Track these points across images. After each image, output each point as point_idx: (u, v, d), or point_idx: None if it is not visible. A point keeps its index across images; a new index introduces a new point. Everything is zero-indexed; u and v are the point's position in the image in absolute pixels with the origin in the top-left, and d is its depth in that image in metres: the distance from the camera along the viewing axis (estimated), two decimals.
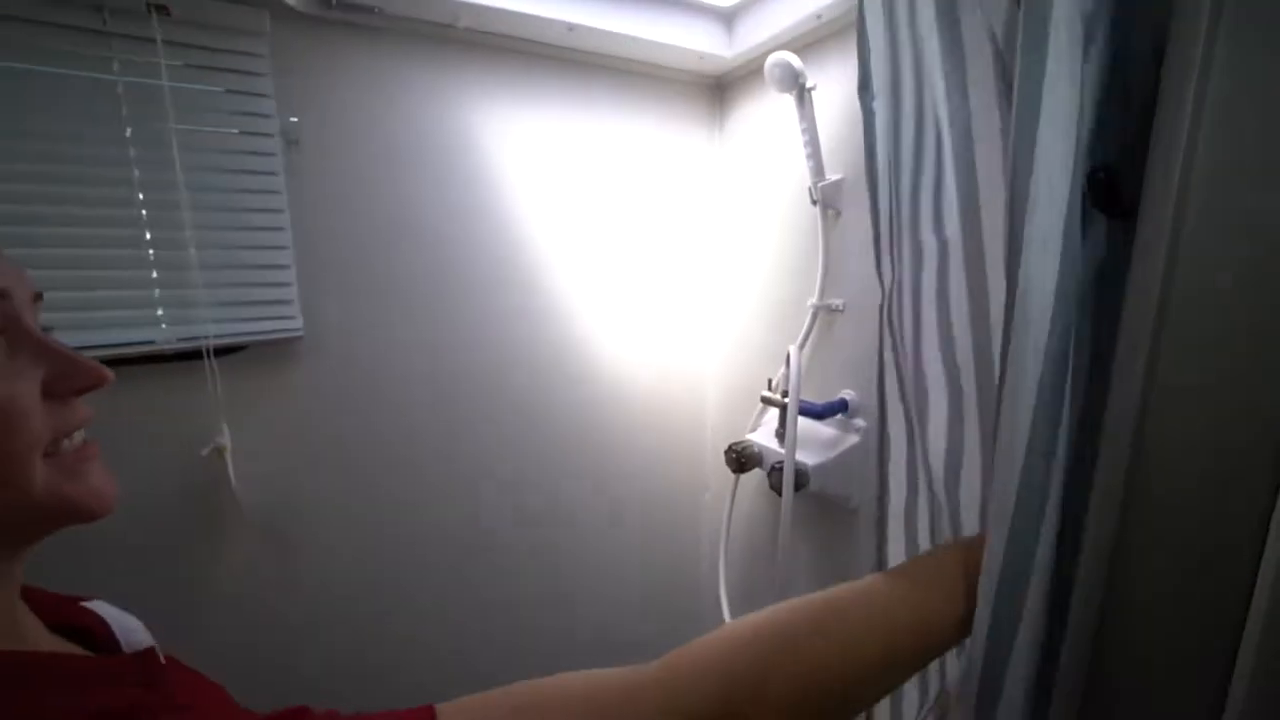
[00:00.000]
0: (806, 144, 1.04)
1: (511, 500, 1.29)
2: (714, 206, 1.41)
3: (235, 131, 0.93)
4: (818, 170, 1.06)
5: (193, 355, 0.94)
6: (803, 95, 1.01)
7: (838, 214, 1.08)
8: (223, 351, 0.97)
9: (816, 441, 1.10)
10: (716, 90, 1.37)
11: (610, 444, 1.39)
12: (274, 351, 1.03)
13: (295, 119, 0.97)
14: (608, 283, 1.32)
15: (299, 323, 1.02)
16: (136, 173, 0.87)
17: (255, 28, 0.90)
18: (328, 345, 1.07)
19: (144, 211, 0.88)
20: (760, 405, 1.19)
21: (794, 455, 1.02)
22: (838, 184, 1.06)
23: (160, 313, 0.91)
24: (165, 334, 0.92)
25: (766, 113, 1.24)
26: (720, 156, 1.39)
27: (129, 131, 0.85)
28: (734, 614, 1.27)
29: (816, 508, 1.18)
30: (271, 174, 0.96)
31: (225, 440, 0.99)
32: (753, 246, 1.31)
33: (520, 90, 1.16)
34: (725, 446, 1.21)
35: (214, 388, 0.96)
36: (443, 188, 1.12)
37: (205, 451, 0.97)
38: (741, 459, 1.17)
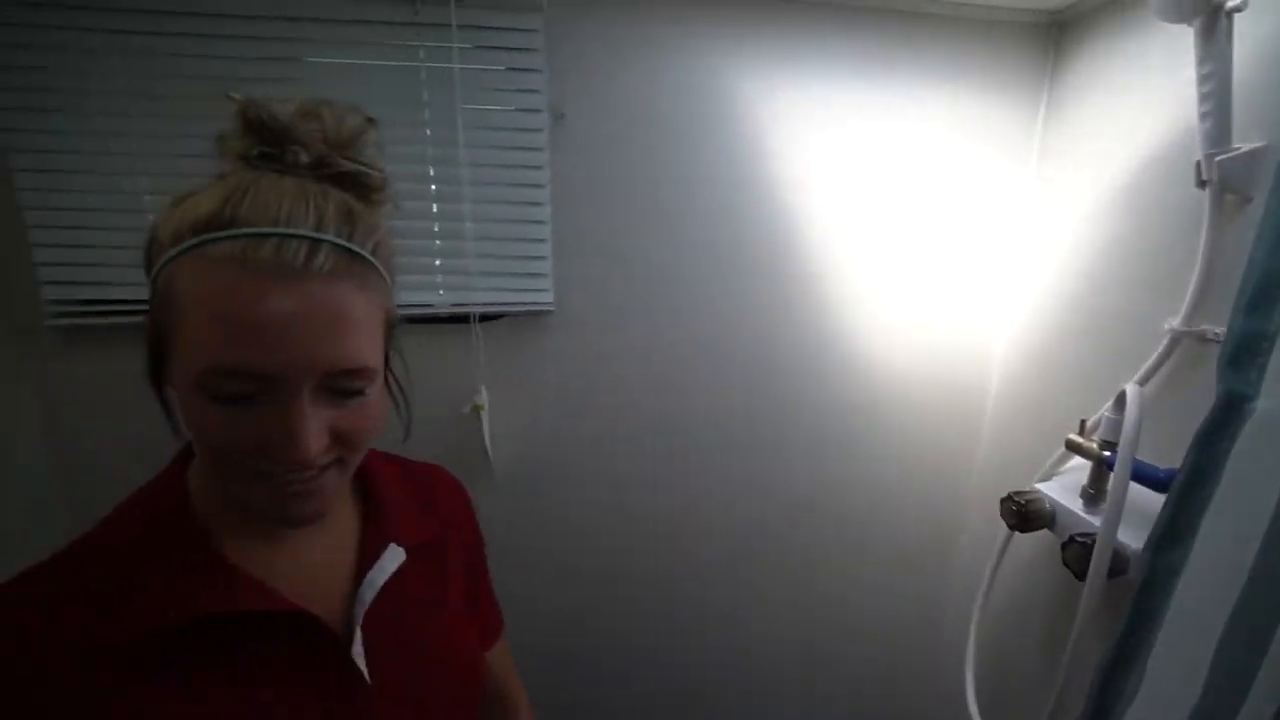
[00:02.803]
0: (1207, 97, 0.72)
1: (743, 490, 1.21)
2: (1036, 185, 1.11)
3: (511, 108, 0.96)
4: (1218, 135, 0.73)
5: (462, 320, 1.03)
6: (1214, 22, 0.69)
7: (1243, 200, 0.74)
8: (485, 318, 1.05)
9: (1144, 517, 0.79)
10: (1051, 33, 1.05)
11: (860, 453, 1.22)
12: (528, 322, 1.08)
13: (562, 93, 0.98)
14: (889, 271, 1.13)
15: (550, 296, 1.05)
16: (430, 150, 0.95)
17: (533, 4, 0.91)
18: (576, 319, 1.08)
19: (433, 187, 0.97)
20: (1063, 451, 0.91)
21: (1114, 531, 0.75)
22: (1251, 156, 0.72)
23: (439, 279, 1.01)
24: (442, 299, 1.02)
25: (1128, 59, 0.91)
26: (1050, 121, 1.08)
27: (427, 113, 0.94)
28: (981, 704, 1.02)
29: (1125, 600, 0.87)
30: (537, 149, 0.98)
31: (483, 400, 1.08)
32: (1085, 240, 1.00)
33: (799, 49, 1.01)
34: (999, 489, 0.96)
35: (478, 351, 1.05)
36: (707, 162, 1.04)
37: (466, 409, 1.07)
38: (1024, 514, 0.91)
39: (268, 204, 0.38)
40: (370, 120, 0.45)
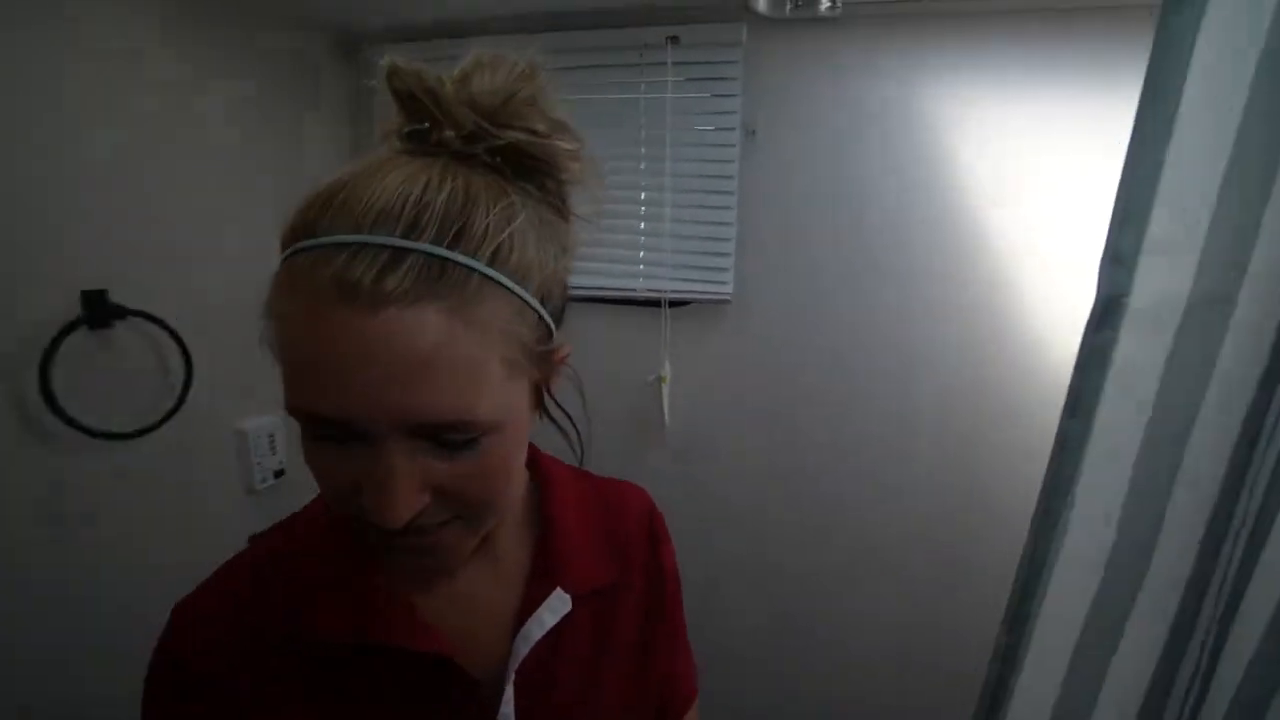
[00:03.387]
0: None
1: (897, 488, 1.23)
2: None
3: (710, 128, 1.15)
4: None
5: (655, 303, 1.24)
6: None
7: None
8: (674, 304, 1.24)
9: None
10: None
11: (1018, 456, 1.15)
12: (709, 309, 1.25)
13: (755, 111, 1.13)
14: (1066, 276, 1.07)
15: (730, 288, 1.20)
16: (642, 165, 1.18)
17: (734, 39, 1.09)
18: (750, 309, 1.23)
19: (642, 194, 1.20)
20: None
21: None
22: None
23: (640, 269, 1.24)
24: (641, 285, 1.24)
25: None
26: None
27: (642, 134, 1.17)
28: None
29: None
30: (729, 161, 1.15)
31: (666, 372, 1.28)
32: None
33: (976, 61, 1.03)
34: None
35: (665, 330, 1.25)
36: (882, 171, 1.11)
37: (650, 379, 1.28)
38: None
39: (360, 200, 0.30)
40: (529, 71, 0.35)
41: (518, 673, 0.42)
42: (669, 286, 1.22)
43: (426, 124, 0.34)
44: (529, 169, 0.36)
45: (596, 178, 0.39)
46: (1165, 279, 0.35)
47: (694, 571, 1.35)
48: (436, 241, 0.30)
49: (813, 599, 1.32)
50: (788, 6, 1.01)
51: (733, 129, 1.13)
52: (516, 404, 0.35)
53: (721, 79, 1.12)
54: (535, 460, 0.51)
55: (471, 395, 0.31)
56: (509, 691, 0.42)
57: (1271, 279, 0.35)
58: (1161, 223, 0.34)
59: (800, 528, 1.29)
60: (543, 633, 0.43)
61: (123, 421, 0.94)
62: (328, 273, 0.29)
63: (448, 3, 1.13)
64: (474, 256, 0.30)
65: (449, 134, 0.34)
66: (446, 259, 0.30)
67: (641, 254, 1.23)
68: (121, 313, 0.92)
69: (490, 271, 0.31)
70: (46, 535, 0.89)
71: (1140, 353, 0.36)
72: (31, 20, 0.82)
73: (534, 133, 0.35)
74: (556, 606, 0.44)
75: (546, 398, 0.41)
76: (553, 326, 0.37)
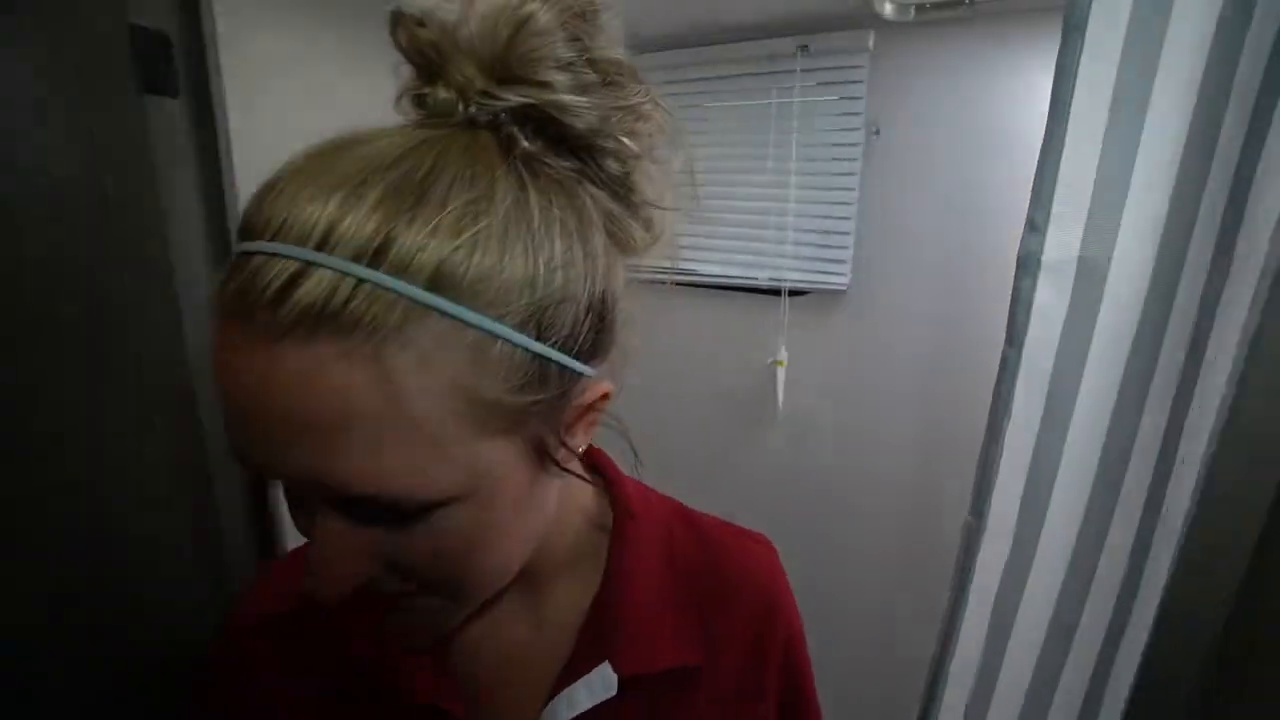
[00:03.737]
0: None
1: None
2: None
3: (835, 128, 1.23)
4: None
5: (774, 292, 1.34)
6: None
7: None
8: (794, 292, 1.33)
9: None
10: None
11: None
12: (827, 298, 1.32)
13: (880, 111, 1.19)
14: None
15: (847, 280, 1.27)
16: (770, 164, 1.29)
17: (861, 45, 1.16)
18: (866, 301, 1.28)
19: (766, 190, 1.31)
20: None
21: None
22: None
23: (762, 259, 1.34)
24: (763, 274, 1.35)
25: None
26: None
27: (771, 137, 1.27)
28: None
29: None
30: (852, 160, 1.22)
31: (783, 356, 1.37)
32: None
33: None
34: None
35: (783, 317, 1.34)
36: (1007, 167, 1.12)
37: (769, 361, 1.38)
38: None
39: (293, 193, 0.23)
40: (533, 7, 0.26)
41: None
42: (790, 276, 1.31)
43: (427, 85, 0.28)
44: (570, 140, 0.27)
45: (678, 142, 0.31)
46: (1063, 242, 0.51)
47: (801, 560, 1.43)
48: (355, 255, 0.22)
49: (924, 584, 1.33)
50: (912, 11, 1.07)
51: (857, 129, 1.20)
52: (491, 469, 0.26)
53: (848, 82, 1.20)
54: (616, 491, 0.41)
55: (393, 463, 0.24)
56: None
57: (1137, 239, 0.51)
58: (1060, 202, 0.50)
59: (902, 514, 1.32)
60: (573, 714, 0.35)
61: None
62: (232, 287, 0.23)
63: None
64: (402, 276, 0.22)
65: (444, 95, 0.27)
66: (361, 279, 0.22)
67: (763, 245, 1.33)
68: None
69: (425, 297, 0.22)
70: None
71: (1050, 295, 0.52)
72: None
73: (548, 86, 0.26)
74: (597, 687, 0.35)
75: (564, 453, 0.29)
76: (571, 364, 0.27)
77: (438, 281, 0.23)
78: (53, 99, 0.41)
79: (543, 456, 0.29)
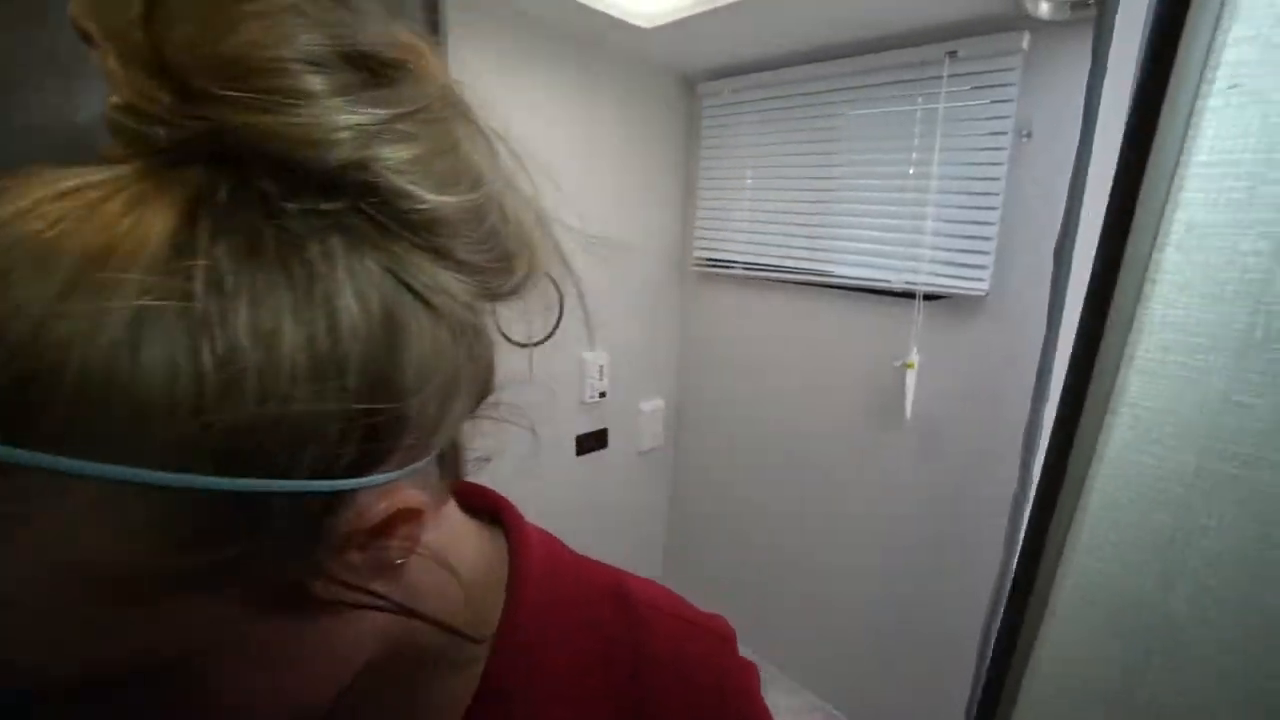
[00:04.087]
0: None
1: None
2: None
3: (983, 133, 1.22)
4: None
5: (908, 295, 1.36)
6: None
7: None
8: (929, 296, 1.34)
9: None
10: None
11: None
12: (962, 303, 1.32)
13: (1031, 114, 1.17)
14: None
15: (986, 285, 1.26)
16: (910, 170, 1.31)
17: (1014, 47, 1.14)
18: (1004, 307, 1.26)
19: (904, 194, 1.33)
20: None
21: None
22: None
23: (898, 262, 1.37)
24: (897, 277, 1.37)
25: None
26: None
27: (915, 140, 1.30)
28: None
29: None
30: (998, 164, 1.20)
31: (914, 358, 1.39)
32: None
33: None
34: None
35: (916, 320, 1.36)
36: None
37: (898, 363, 1.41)
38: None
39: None
40: None
41: None
42: (926, 280, 1.33)
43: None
44: (319, 175, 0.19)
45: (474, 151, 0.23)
46: None
47: (923, 567, 1.44)
48: None
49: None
50: (1069, 10, 1.04)
51: (1005, 133, 1.19)
52: (186, 637, 0.20)
53: (999, 85, 1.18)
54: (518, 559, 0.34)
55: None
56: None
57: None
58: None
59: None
60: None
61: (525, 335, 1.50)
62: None
63: (758, 44, 1.43)
64: None
65: (116, 118, 0.19)
66: None
67: (900, 249, 1.36)
68: None
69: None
70: None
71: None
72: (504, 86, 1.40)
73: (277, 98, 0.18)
74: None
75: (343, 593, 0.23)
76: (309, 488, 0.20)
77: (4, 416, 0.16)
78: None
79: (300, 599, 0.22)
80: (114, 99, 0.19)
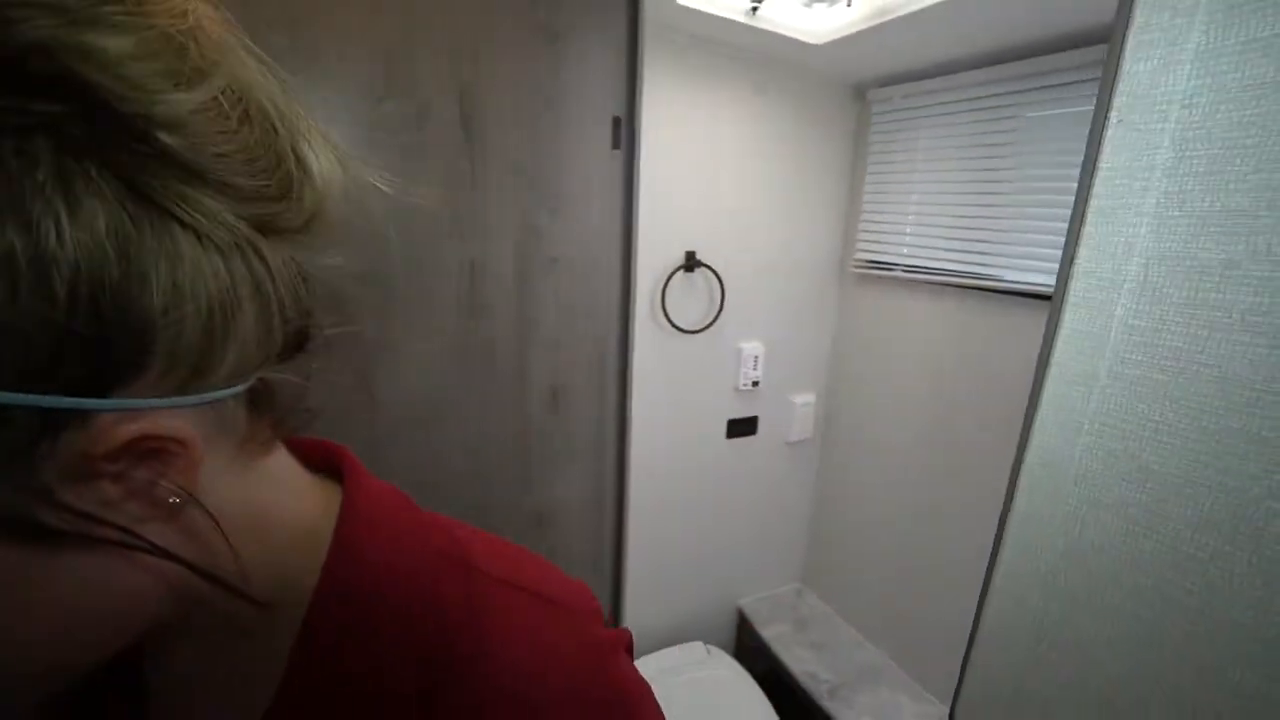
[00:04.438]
0: None
1: None
2: None
3: None
4: None
5: (1047, 297, 1.33)
6: None
7: None
8: None
9: None
10: None
11: None
12: None
13: None
14: None
15: None
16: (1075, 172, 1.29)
17: None
18: None
19: (1059, 196, 1.30)
20: None
21: None
22: None
23: (1040, 264, 1.34)
24: (1040, 278, 1.34)
25: None
26: None
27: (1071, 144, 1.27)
28: None
29: None
30: None
31: None
32: None
33: None
34: None
35: None
36: None
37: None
38: None
39: None
40: None
41: None
42: None
43: None
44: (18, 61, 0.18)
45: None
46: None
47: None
48: None
49: None
50: None
51: None
52: None
53: None
54: (345, 509, 0.31)
55: None
56: None
57: None
58: None
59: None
60: None
61: (690, 322, 1.70)
62: None
63: (930, 50, 1.48)
64: None
65: None
66: None
67: (1045, 250, 1.33)
68: (699, 264, 1.66)
69: None
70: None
71: None
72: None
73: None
74: None
75: (87, 524, 0.22)
76: (12, 400, 0.19)
77: None
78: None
79: (32, 528, 0.21)
80: None
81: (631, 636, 0.36)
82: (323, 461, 0.35)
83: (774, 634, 1.95)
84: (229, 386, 0.25)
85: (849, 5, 1.30)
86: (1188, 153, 0.57)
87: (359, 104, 1.00)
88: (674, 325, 1.66)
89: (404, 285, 1.11)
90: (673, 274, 1.64)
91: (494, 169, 1.14)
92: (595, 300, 1.36)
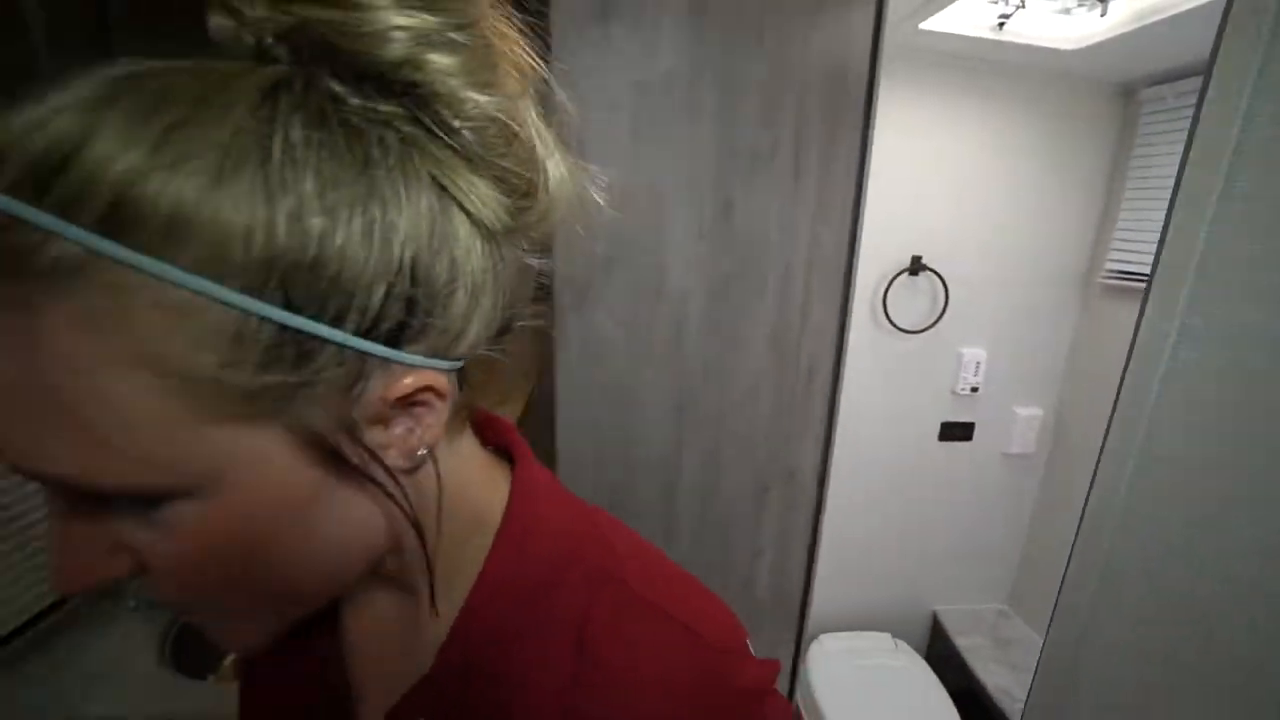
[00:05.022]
0: None
1: None
2: None
3: None
4: None
5: None
6: None
7: None
8: None
9: None
10: None
11: None
12: None
13: None
14: None
15: None
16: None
17: None
18: None
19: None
20: None
21: None
22: None
23: None
24: None
25: None
26: None
27: None
28: None
29: None
30: None
31: None
32: None
33: None
34: None
35: None
36: None
37: None
38: None
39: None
40: None
41: None
42: None
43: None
44: (372, 73, 0.23)
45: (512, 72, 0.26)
46: None
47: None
48: (12, 188, 0.19)
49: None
50: None
51: None
52: (231, 462, 0.23)
53: None
54: (515, 497, 0.34)
55: (53, 439, 0.21)
56: None
57: None
58: None
59: None
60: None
61: (910, 323, 1.76)
62: None
63: (1201, 50, 1.36)
64: (66, 213, 0.19)
65: (218, 21, 0.23)
66: (15, 216, 0.19)
67: None
68: (924, 268, 1.72)
69: (85, 239, 0.19)
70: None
71: None
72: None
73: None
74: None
75: (362, 455, 0.25)
76: (351, 343, 0.23)
77: (115, 218, 0.19)
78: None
79: (332, 456, 0.25)
80: (213, 12, 0.23)
81: (779, 667, 0.34)
82: (494, 436, 0.37)
83: (969, 644, 1.92)
84: (462, 359, 0.28)
85: (1103, 15, 1.28)
86: None
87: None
88: (893, 324, 1.75)
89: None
90: (896, 276, 1.72)
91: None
92: (813, 296, 1.48)
